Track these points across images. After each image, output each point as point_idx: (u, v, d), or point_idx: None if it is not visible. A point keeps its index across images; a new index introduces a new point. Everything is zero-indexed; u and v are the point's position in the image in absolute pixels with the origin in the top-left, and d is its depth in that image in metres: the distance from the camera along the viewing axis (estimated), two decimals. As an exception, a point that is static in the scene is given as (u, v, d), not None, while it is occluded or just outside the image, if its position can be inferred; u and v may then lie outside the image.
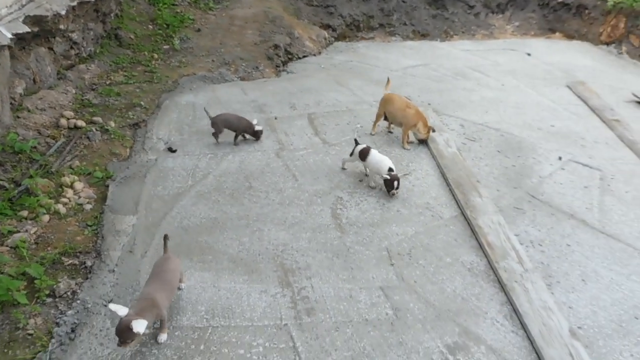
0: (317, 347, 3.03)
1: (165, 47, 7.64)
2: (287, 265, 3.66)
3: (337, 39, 9.20)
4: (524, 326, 3.24)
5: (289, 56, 8.03)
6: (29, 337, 3.01)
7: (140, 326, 2.69)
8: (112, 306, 2.77)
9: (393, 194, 4.32)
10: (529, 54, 8.25)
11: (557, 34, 9.47)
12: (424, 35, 9.59)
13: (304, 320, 3.22)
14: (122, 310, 2.74)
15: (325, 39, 8.84)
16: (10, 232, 3.81)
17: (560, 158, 5.16)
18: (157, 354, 2.96)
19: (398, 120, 5.22)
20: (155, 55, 7.37)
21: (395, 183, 4.24)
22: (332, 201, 4.40)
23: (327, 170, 4.83)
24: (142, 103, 6.08)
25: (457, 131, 5.66)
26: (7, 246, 3.67)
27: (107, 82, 6.47)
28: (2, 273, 3.32)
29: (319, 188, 4.57)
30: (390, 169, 4.30)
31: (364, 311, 3.30)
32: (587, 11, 8.91)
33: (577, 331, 3.22)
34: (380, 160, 4.39)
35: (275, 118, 5.87)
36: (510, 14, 9.99)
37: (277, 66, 7.70)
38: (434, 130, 5.30)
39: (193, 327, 3.16)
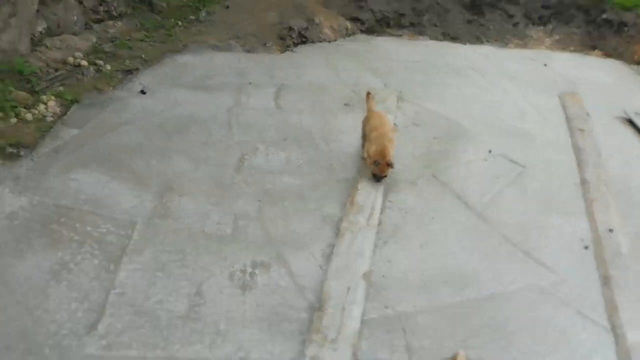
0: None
1: (191, 17, 8.73)
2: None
3: (363, 32, 9.71)
4: (329, 264, 3.68)
5: (303, 39, 8.72)
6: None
7: None
8: None
9: None
10: (545, 65, 8.21)
11: (597, 51, 9.22)
12: (453, 39, 9.77)
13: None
14: None
15: (346, 29, 9.42)
16: (-19, 125, 4.95)
17: (490, 151, 5.34)
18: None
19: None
20: (180, 23, 8.47)
21: None
22: (247, 149, 5.05)
23: (260, 127, 5.47)
24: (143, 56, 7.14)
25: (408, 116, 6.02)
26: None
27: (127, 38, 7.63)
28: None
29: (243, 139, 5.23)
30: None
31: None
32: (626, 29, 8.65)
33: (376, 277, 3.60)
34: None
35: (250, 83, 6.62)
36: (552, 27, 9.87)
37: (287, 46, 8.44)
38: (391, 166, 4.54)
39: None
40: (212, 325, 3.25)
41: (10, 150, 4.73)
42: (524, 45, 9.45)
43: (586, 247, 4.12)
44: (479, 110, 6.26)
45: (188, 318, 3.27)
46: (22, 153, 4.68)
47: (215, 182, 4.57)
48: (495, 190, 4.73)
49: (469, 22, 9.91)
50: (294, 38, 8.67)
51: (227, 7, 9.25)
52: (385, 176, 4.41)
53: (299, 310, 3.39)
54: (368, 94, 5.17)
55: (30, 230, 3.82)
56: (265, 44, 8.28)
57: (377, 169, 4.31)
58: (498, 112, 6.24)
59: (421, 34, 9.72)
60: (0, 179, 4.32)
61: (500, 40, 9.61)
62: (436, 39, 9.56)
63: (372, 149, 4.39)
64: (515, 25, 9.86)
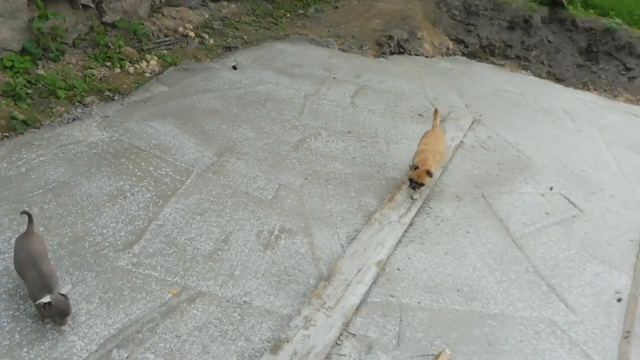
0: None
1: (300, 11, 9.34)
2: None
3: (464, 54, 9.80)
4: (349, 245, 3.93)
5: (400, 50, 9.00)
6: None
7: None
8: None
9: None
10: (647, 121, 7.80)
11: None
12: (558, 80, 9.55)
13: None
14: None
15: (447, 48, 9.56)
16: (90, 68, 5.76)
17: (551, 188, 5.28)
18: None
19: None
20: (288, 15, 9.11)
21: None
22: (310, 132, 5.44)
23: (330, 117, 5.84)
24: (245, 37, 7.80)
25: (478, 138, 6.08)
26: (82, 74, 5.63)
27: (236, 20, 8.37)
28: (65, 81, 5.23)
29: (310, 124, 5.62)
30: None
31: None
32: None
33: (390, 268, 3.80)
34: None
35: (334, 78, 7.02)
36: (673, 88, 9.30)
37: (382, 53, 8.77)
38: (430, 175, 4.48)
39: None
40: (228, 269, 3.61)
41: (107, 93, 5.47)
42: (636, 102, 8.99)
43: (619, 300, 3.98)
44: (555, 149, 6.14)
45: (210, 258, 3.66)
46: (115, 97, 5.40)
47: (271, 154, 4.97)
48: (541, 224, 4.68)
49: (579, 66, 9.62)
50: (392, 47, 8.96)
51: (336, 7, 9.76)
52: (422, 184, 4.48)
53: (309, 277, 3.66)
54: (436, 110, 5.30)
55: (103, 159, 4.43)
56: (361, 47, 8.65)
57: (414, 174, 4.41)
58: (575, 156, 6.08)
59: (525, 68, 9.59)
60: (92, 115, 5.02)
61: (610, 91, 9.22)
62: (539, 76, 9.39)
63: (416, 158, 4.55)
64: (631, 79, 9.41)
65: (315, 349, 3.09)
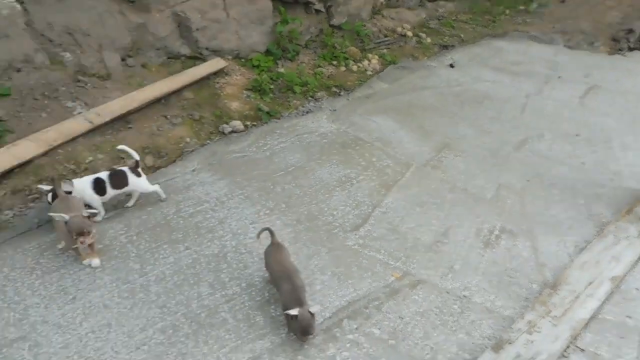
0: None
1: (520, 7, 8.96)
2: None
3: None
4: (578, 255, 3.70)
5: (642, 45, 8.02)
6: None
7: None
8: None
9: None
10: None
11: None
12: None
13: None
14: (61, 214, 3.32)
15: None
16: (319, 67, 6.37)
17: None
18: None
19: None
20: (507, 12, 8.81)
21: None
22: (533, 133, 5.22)
23: (555, 118, 5.57)
24: (462, 35, 7.80)
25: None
26: (313, 72, 6.26)
27: (452, 19, 8.40)
28: (299, 78, 5.89)
29: (532, 124, 5.41)
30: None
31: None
32: None
33: (627, 286, 3.49)
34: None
35: (559, 77, 6.61)
36: None
37: (619, 49, 7.92)
38: None
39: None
40: (448, 262, 3.69)
41: (334, 89, 5.99)
42: None
43: None
44: None
45: (430, 249, 3.79)
46: (341, 93, 5.88)
47: (491, 153, 4.90)
48: None
49: None
50: (631, 42, 8.02)
51: (563, 1, 9.09)
52: None
53: (532, 282, 3.54)
54: None
55: (332, 148, 4.88)
56: (592, 43, 7.93)
57: None
58: None
59: None
60: (322, 108, 5.55)
61: None
62: None
63: None
64: None
65: (540, 356, 2.99)
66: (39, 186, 3.78)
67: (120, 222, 3.88)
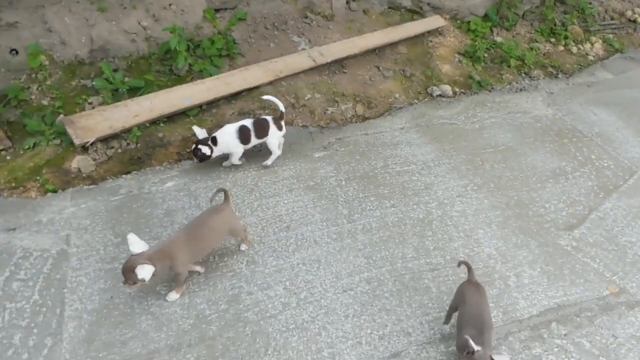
0: None
1: None
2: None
3: None
4: None
5: None
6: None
7: (144, 273, 2.62)
8: (130, 237, 2.68)
9: None
10: None
11: None
12: None
13: None
14: (136, 246, 2.67)
15: None
16: (536, 42, 5.94)
17: None
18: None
19: None
20: None
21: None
22: None
23: None
24: None
25: None
26: (528, 46, 5.86)
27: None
28: (517, 51, 5.55)
29: None
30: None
31: None
32: None
33: None
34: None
35: None
36: None
37: None
38: None
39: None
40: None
41: (550, 69, 5.57)
42: None
43: None
44: None
45: (653, 271, 3.46)
46: (559, 75, 5.46)
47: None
48: None
49: None
50: None
51: None
52: None
53: None
54: None
55: (546, 135, 4.58)
56: None
57: None
58: None
59: None
60: (538, 89, 5.21)
61: None
62: None
63: None
64: None
65: None
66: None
67: (330, 164, 4.01)
